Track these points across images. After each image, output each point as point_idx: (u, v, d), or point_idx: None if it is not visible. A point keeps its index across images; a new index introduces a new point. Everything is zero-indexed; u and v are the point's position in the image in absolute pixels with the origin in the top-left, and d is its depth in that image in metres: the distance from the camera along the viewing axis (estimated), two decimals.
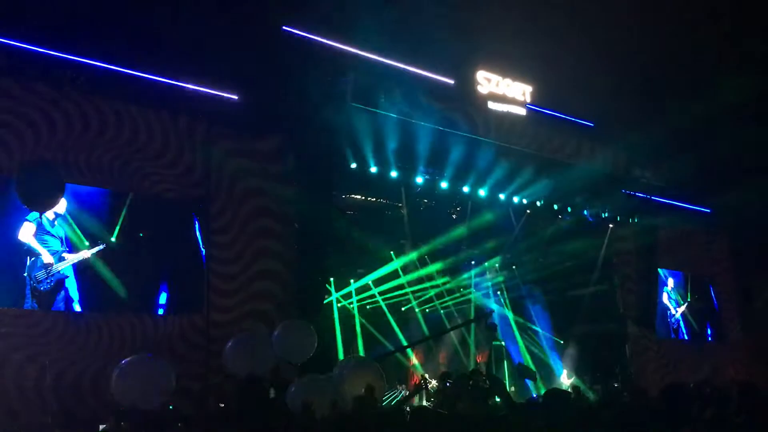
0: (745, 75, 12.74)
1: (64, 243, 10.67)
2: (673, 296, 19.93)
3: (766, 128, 15.11)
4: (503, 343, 17.86)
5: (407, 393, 8.96)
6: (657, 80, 15.35)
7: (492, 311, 16.75)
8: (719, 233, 20.82)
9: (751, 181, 17.18)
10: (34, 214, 10.42)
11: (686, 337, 19.96)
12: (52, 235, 10.60)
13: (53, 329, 10.32)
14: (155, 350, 10.90)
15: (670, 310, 19.68)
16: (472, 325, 17.49)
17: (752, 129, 14.98)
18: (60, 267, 10.55)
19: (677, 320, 19.88)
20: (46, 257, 10.47)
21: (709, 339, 20.33)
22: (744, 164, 16.41)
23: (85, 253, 10.82)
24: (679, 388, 4.85)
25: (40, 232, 10.50)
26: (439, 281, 17.19)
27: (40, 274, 10.39)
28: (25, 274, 10.28)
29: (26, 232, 10.40)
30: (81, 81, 10.93)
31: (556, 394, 5.03)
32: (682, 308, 20.07)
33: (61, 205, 10.62)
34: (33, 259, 10.37)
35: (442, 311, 17.66)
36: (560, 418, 4.74)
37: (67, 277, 10.61)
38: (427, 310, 17.82)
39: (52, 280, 10.48)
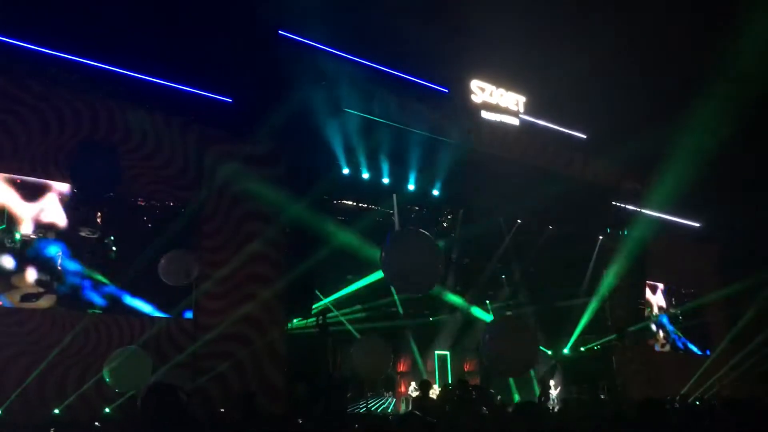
0: (741, 87, 12.75)
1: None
2: (661, 309, 20.00)
3: (759, 143, 15.18)
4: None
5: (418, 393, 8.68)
6: (651, 94, 15.40)
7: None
8: (708, 247, 20.92)
9: (741, 196, 17.27)
10: None
11: (673, 350, 20.02)
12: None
13: (38, 328, 10.29)
14: None
15: (657, 322, 19.74)
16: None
17: (746, 143, 15.04)
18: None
19: (665, 333, 19.94)
20: None
21: (696, 352, 20.39)
22: (734, 179, 16.50)
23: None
24: (657, 402, 4.88)
25: None
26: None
27: None
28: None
29: None
30: (73, 80, 10.91)
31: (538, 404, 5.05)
32: (670, 321, 20.13)
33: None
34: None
35: (431, 319, 17.54)
36: (544, 428, 4.77)
37: None
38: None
39: None
